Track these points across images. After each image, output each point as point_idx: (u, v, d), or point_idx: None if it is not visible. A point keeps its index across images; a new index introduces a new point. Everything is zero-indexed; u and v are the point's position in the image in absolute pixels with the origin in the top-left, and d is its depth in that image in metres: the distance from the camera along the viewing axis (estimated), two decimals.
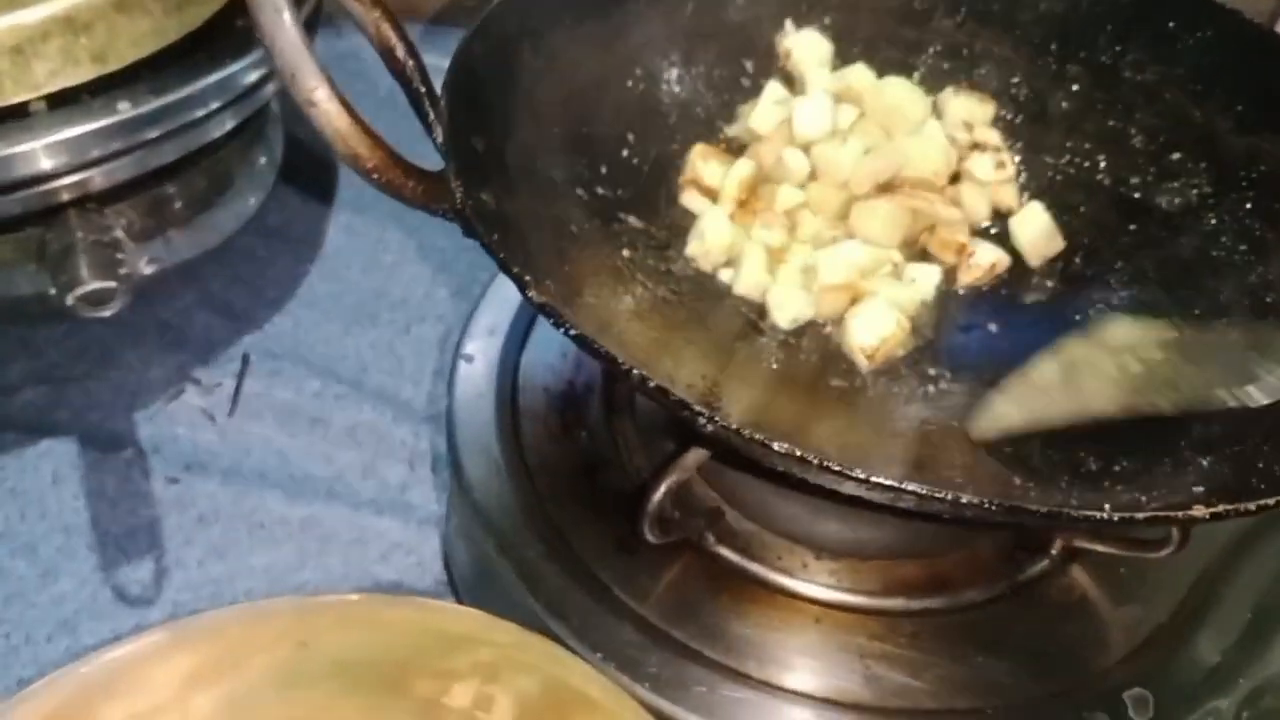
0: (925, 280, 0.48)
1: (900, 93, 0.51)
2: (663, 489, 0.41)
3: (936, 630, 0.45)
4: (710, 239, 0.47)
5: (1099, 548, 0.46)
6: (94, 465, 0.57)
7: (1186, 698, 0.43)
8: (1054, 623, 0.45)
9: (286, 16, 0.31)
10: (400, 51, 0.36)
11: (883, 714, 0.42)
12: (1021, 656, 0.44)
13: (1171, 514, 0.32)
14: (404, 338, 0.65)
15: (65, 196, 0.53)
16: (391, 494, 0.57)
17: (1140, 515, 0.32)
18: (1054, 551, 0.47)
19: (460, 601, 0.51)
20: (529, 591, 0.44)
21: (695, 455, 0.41)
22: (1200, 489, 0.34)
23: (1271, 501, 0.32)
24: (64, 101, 0.51)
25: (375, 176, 0.34)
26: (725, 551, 0.46)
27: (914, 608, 0.45)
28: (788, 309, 0.46)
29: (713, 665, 0.42)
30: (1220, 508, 0.32)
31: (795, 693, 0.42)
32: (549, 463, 0.49)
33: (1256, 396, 0.38)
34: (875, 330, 0.45)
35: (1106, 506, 0.31)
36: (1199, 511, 0.32)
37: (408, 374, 0.63)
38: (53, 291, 0.53)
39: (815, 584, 0.46)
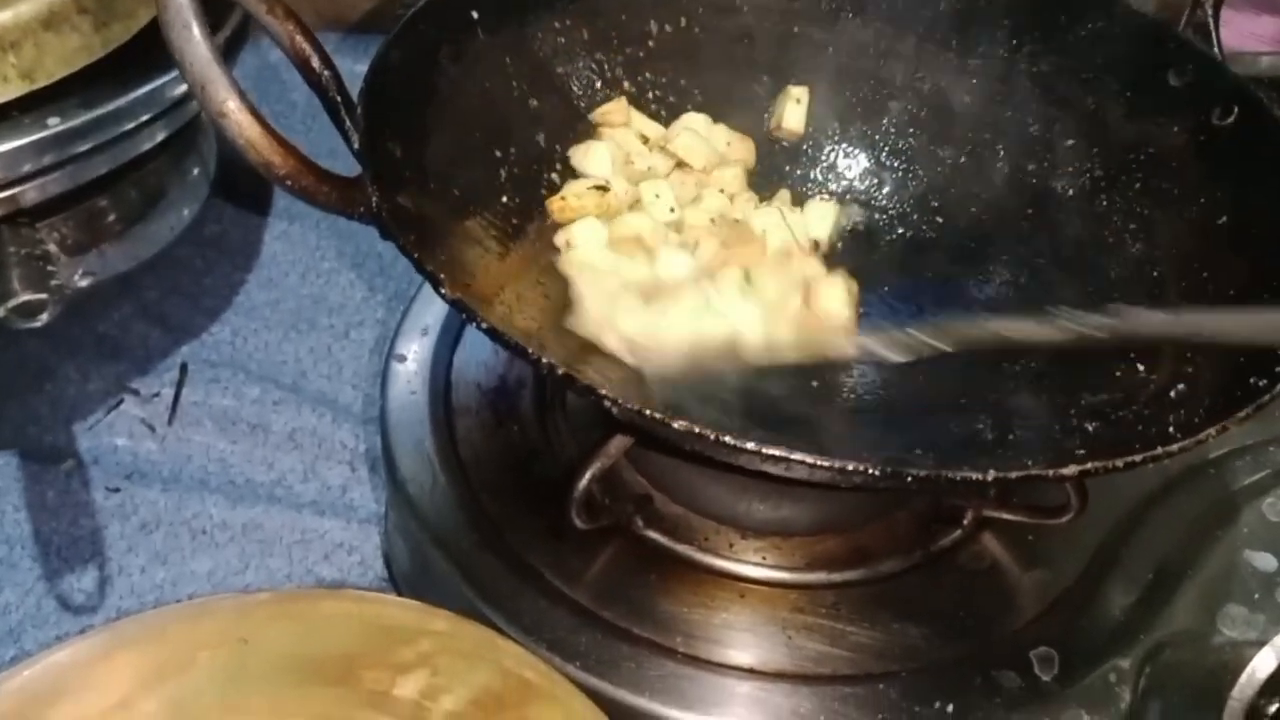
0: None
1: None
2: (588, 475, 0.43)
3: (856, 600, 0.47)
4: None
5: (1007, 516, 0.48)
6: (34, 477, 0.57)
7: (1091, 655, 0.45)
8: (966, 589, 0.47)
9: (195, 32, 0.32)
10: (315, 62, 0.37)
11: (804, 681, 0.44)
12: (935, 622, 0.46)
13: (1042, 472, 0.34)
14: (342, 342, 0.66)
15: None
16: (333, 495, 0.58)
17: (1013, 475, 0.34)
18: (966, 522, 0.49)
19: (400, 596, 0.53)
20: (464, 581, 0.46)
21: (617, 442, 0.43)
22: (1082, 451, 0.36)
23: (1138, 459, 0.35)
24: None
25: (289, 183, 0.35)
26: (654, 534, 0.48)
27: (835, 580, 0.47)
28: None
29: (642, 642, 0.44)
30: (1090, 465, 0.34)
31: (721, 665, 0.44)
32: (482, 456, 0.50)
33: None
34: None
35: (987, 469, 0.33)
36: (1070, 470, 0.34)
37: (346, 378, 0.64)
38: None
39: (741, 562, 0.48)
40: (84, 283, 0.60)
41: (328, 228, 0.72)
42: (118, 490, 0.57)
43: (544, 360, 0.34)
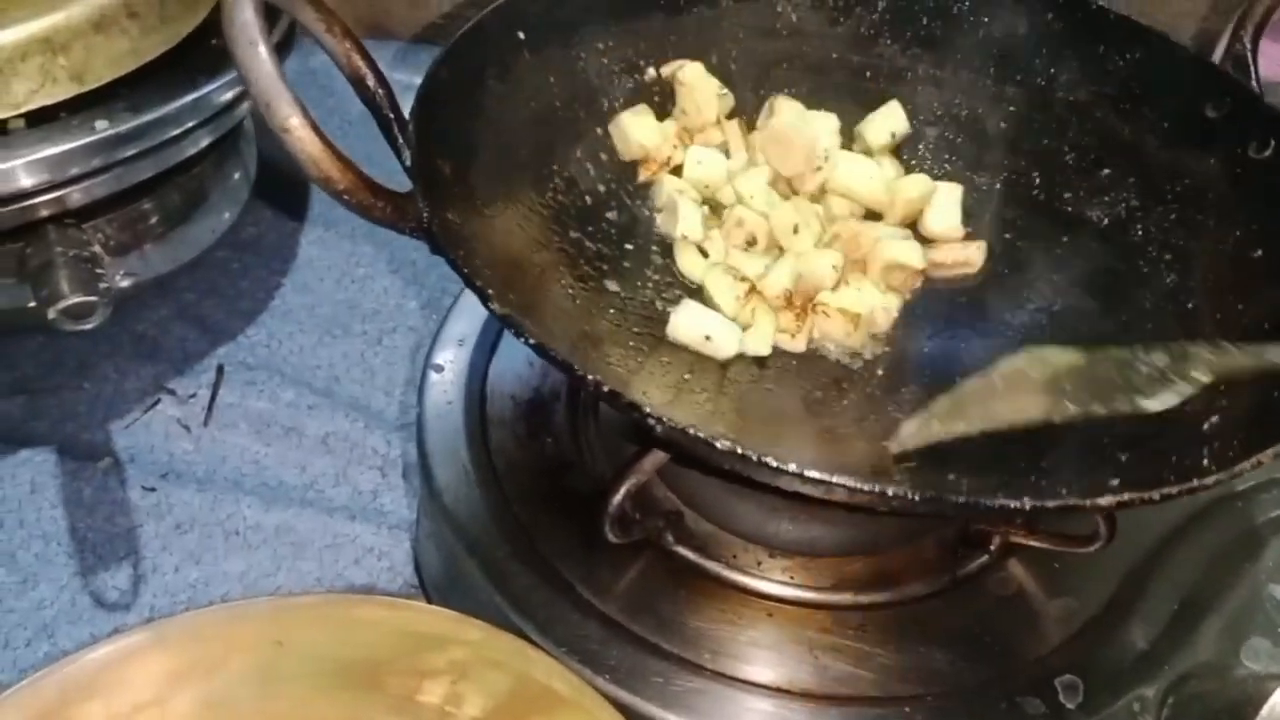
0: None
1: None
2: (623, 491, 0.43)
3: (882, 622, 0.47)
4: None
5: (1034, 543, 0.48)
6: (71, 474, 0.58)
7: (1115, 684, 0.45)
8: (992, 614, 0.48)
9: (261, 50, 0.33)
10: (370, 80, 0.38)
11: (830, 701, 0.44)
12: (961, 646, 0.46)
13: (1080, 502, 0.35)
14: (375, 348, 0.66)
15: (44, 212, 0.54)
16: (364, 500, 0.59)
17: (1050, 504, 0.35)
18: (993, 548, 0.49)
19: (430, 603, 0.53)
20: (496, 590, 0.46)
21: (653, 458, 0.43)
22: (1115, 481, 0.36)
23: (1174, 490, 0.35)
24: (43, 119, 0.53)
25: (346, 198, 0.36)
26: (684, 550, 0.48)
27: (861, 601, 0.48)
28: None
29: (670, 657, 0.45)
30: (1125, 496, 0.34)
31: (748, 682, 0.44)
32: (516, 467, 0.51)
33: (1153, 405, 0.41)
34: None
35: (1023, 497, 0.34)
36: (1106, 500, 0.34)
37: (379, 384, 0.64)
38: (31, 305, 0.55)
39: (769, 580, 0.48)
40: (125, 283, 0.61)
41: (363, 234, 0.73)
42: (153, 489, 0.58)
43: (590, 377, 0.35)
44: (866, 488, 0.34)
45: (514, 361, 0.56)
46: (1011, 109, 0.56)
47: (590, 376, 0.35)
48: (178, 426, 0.62)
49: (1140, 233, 0.52)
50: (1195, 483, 0.35)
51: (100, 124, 0.54)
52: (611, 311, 0.49)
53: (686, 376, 0.48)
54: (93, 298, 0.49)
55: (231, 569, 0.56)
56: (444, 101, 0.43)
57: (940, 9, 0.56)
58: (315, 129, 0.34)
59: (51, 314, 0.48)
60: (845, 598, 0.48)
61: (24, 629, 0.52)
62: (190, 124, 0.57)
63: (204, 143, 0.60)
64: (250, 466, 0.60)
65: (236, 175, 0.68)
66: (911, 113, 0.57)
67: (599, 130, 0.53)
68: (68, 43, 0.53)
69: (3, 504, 0.57)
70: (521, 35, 0.49)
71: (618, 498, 0.43)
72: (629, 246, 0.53)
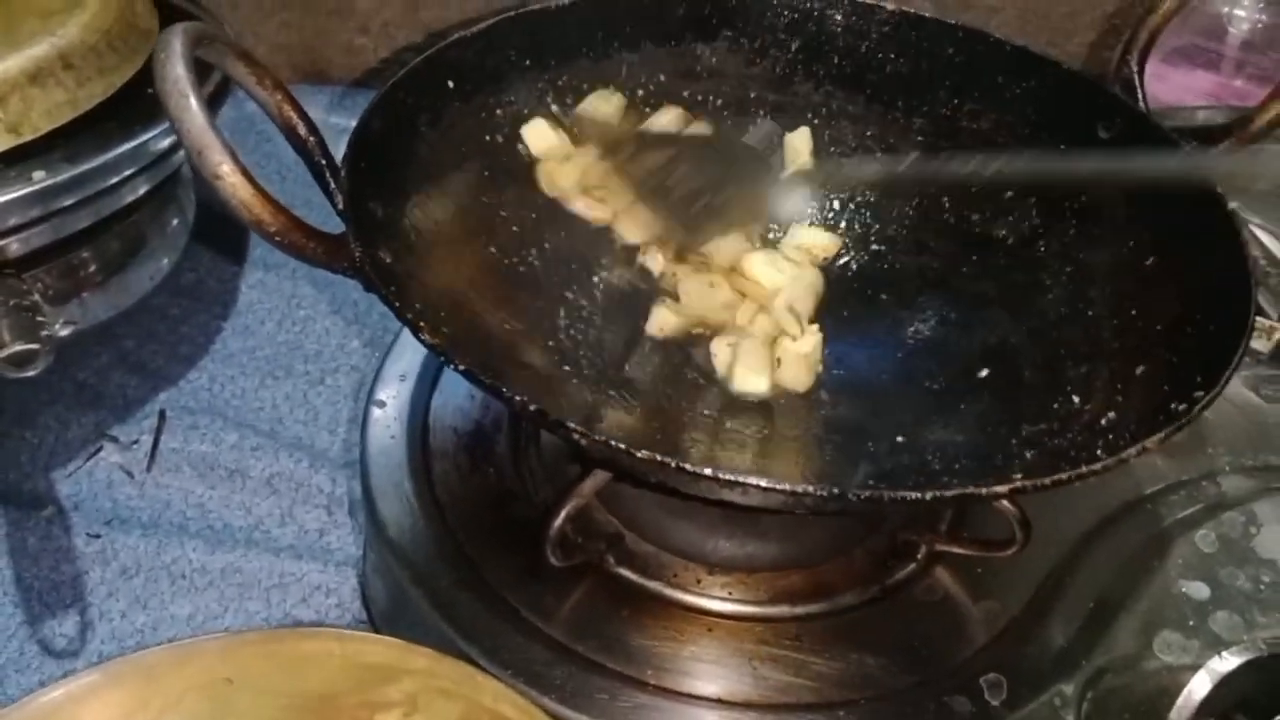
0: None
1: None
2: (563, 514, 0.45)
3: (817, 632, 0.49)
4: None
5: (957, 550, 0.51)
6: (15, 524, 0.58)
7: (1037, 680, 0.48)
8: (920, 620, 0.50)
9: (192, 100, 0.35)
10: (301, 129, 0.39)
11: (770, 710, 0.46)
12: (892, 651, 0.48)
13: (975, 490, 0.37)
14: (318, 388, 0.67)
15: None
16: (310, 539, 0.60)
17: (949, 494, 0.37)
18: (920, 557, 0.52)
19: (380, 635, 0.54)
20: (443, 619, 0.47)
21: (592, 481, 0.45)
22: (1018, 475, 0.39)
23: (1064, 477, 0.37)
24: None
25: (279, 240, 0.37)
26: (625, 572, 0.50)
27: (797, 613, 0.50)
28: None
29: (615, 675, 0.46)
30: (1019, 484, 0.37)
31: (691, 695, 0.46)
32: (459, 498, 0.52)
33: None
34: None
35: (926, 490, 0.36)
36: (1001, 488, 0.37)
37: (323, 423, 0.65)
38: None
39: (708, 597, 0.50)
40: (65, 332, 0.61)
41: (304, 277, 0.74)
42: (98, 536, 0.58)
43: (517, 397, 0.37)
44: (779, 487, 0.36)
45: (455, 395, 0.57)
46: (920, 138, 0.59)
47: (517, 397, 0.37)
48: (121, 473, 0.62)
49: (1043, 248, 0.55)
50: (1085, 469, 0.38)
51: (38, 174, 0.54)
52: (549, 341, 0.51)
53: (616, 395, 0.49)
54: (34, 345, 0.49)
55: (179, 612, 0.56)
56: (376, 147, 0.45)
57: (849, 48, 0.59)
58: (246, 175, 0.36)
59: None
60: (781, 610, 0.50)
61: None
62: (128, 172, 0.58)
63: (142, 190, 0.61)
64: (195, 510, 0.60)
65: (175, 221, 0.69)
66: (827, 144, 0.60)
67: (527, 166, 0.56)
68: (4, 95, 0.54)
69: None
70: (451, 83, 0.51)
71: (558, 521, 0.45)
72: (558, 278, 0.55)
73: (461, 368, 0.37)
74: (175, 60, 0.34)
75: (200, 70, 0.41)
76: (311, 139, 0.40)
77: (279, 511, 0.61)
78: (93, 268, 0.63)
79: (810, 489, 0.36)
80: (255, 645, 0.45)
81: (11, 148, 0.54)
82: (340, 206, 0.40)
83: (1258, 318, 0.57)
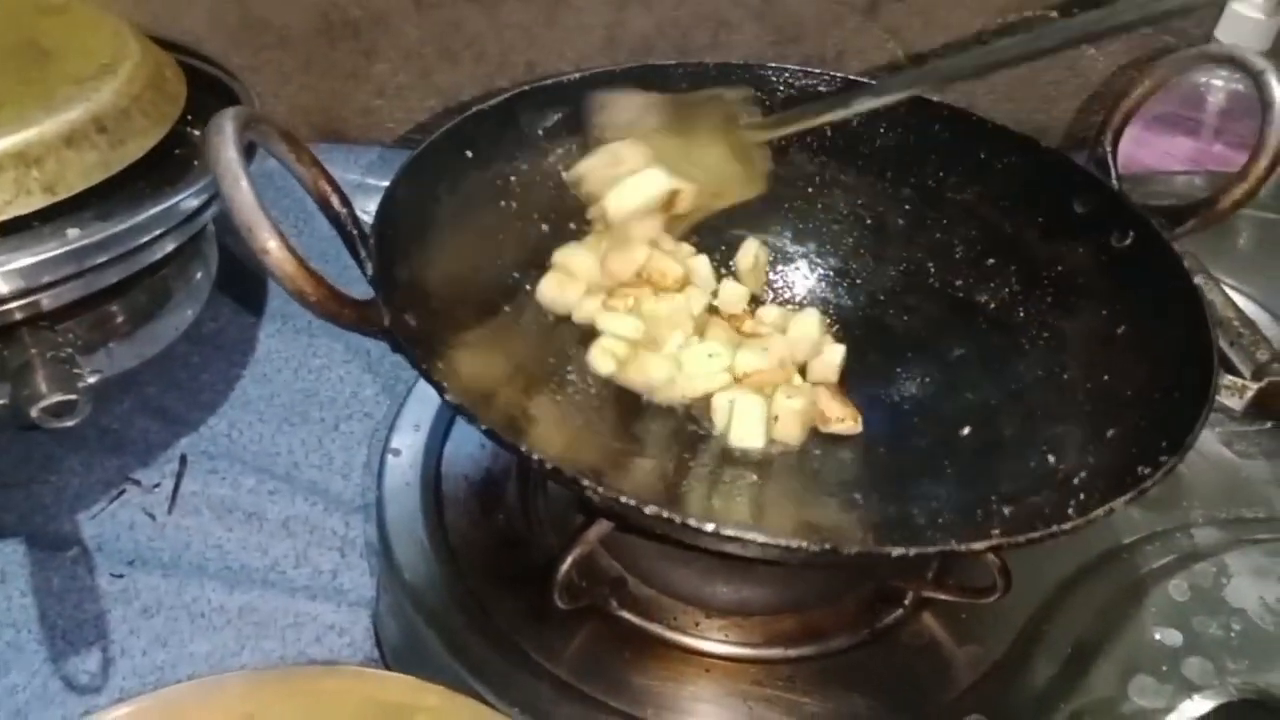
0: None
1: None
2: (570, 560, 0.48)
3: (809, 674, 0.51)
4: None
5: (942, 596, 0.54)
6: (40, 564, 0.61)
7: None
8: (907, 662, 0.52)
9: (244, 184, 0.38)
10: (335, 201, 0.43)
11: None
12: (881, 692, 0.51)
13: (956, 547, 0.40)
14: (333, 434, 0.70)
15: (17, 316, 0.57)
16: (324, 580, 0.62)
17: (931, 550, 0.40)
18: (907, 603, 0.54)
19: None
20: (454, 658, 0.50)
21: (597, 529, 0.48)
22: (997, 531, 0.42)
23: (1037, 535, 0.40)
24: (16, 229, 0.56)
25: (317, 308, 0.40)
26: (627, 615, 0.53)
27: (790, 655, 0.52)
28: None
29: (617, 714, 0.48)
30: (995, 541, 0.40)
31: None
32: (470, 543, 0.55)
33: None
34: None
35: (910, 546, 0.39)
36: (979, 545, 0.40)
37: (337, 468, 0.68)
38: (1, 403, 0.58)
39: (706, 639, 0.53)
40: (92, 380, 0.64)
41: (320, 327, 0.76)
42: (121, 576, 0.61)
43: (534, 455, 0.40)
44: (775, 542, 0.39)
45: (467, 445, 0.60)
46: (908, 207, 0.63)
47: (534, 455, 0.40)
48: (143, 515, 0.64)
49: (1022, 314, 0.59)
50: (1055, 529, 0.41)
51: (72, 232, 0.57)
52: (557, 397, 0.54)
53: (622, 447, 0.52)
54: (72, 396, 0.52)
55: (198, 650, 0.58)
56: (400, 215, 0.48)
57: (842, 122, 0.63)
58: (291, 250, 0.39)
59: (34, 413, 0.51)
60: (775, 652, 0.52)
61: None
62: (158, 231, 0.61)
63: (170, 247, 0.63)
64: (214, 551, 0.63)
65: (199, 275, 0.72)
66: (820, 212, 0.63)
67: (544, 232, 0.59)
68: (41, 156, 0.57)
69: None
70: (469, 154, 0.54)
71: (565, 566, 0.47)
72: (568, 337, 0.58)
73: (484, 427, 0.40)
74: (228, 144, 0.38)
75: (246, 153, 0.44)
76: (344, 211, 0.43)
77: (294, 553, 0.63)
78: (120, 319, 0.65)
79: (804, 545, 0.38)
80: (276, 682, 0.48)
81: (47, 206, 0.57)
82: (370, 274, 0.44)
83: (1230, 376, 0.60)
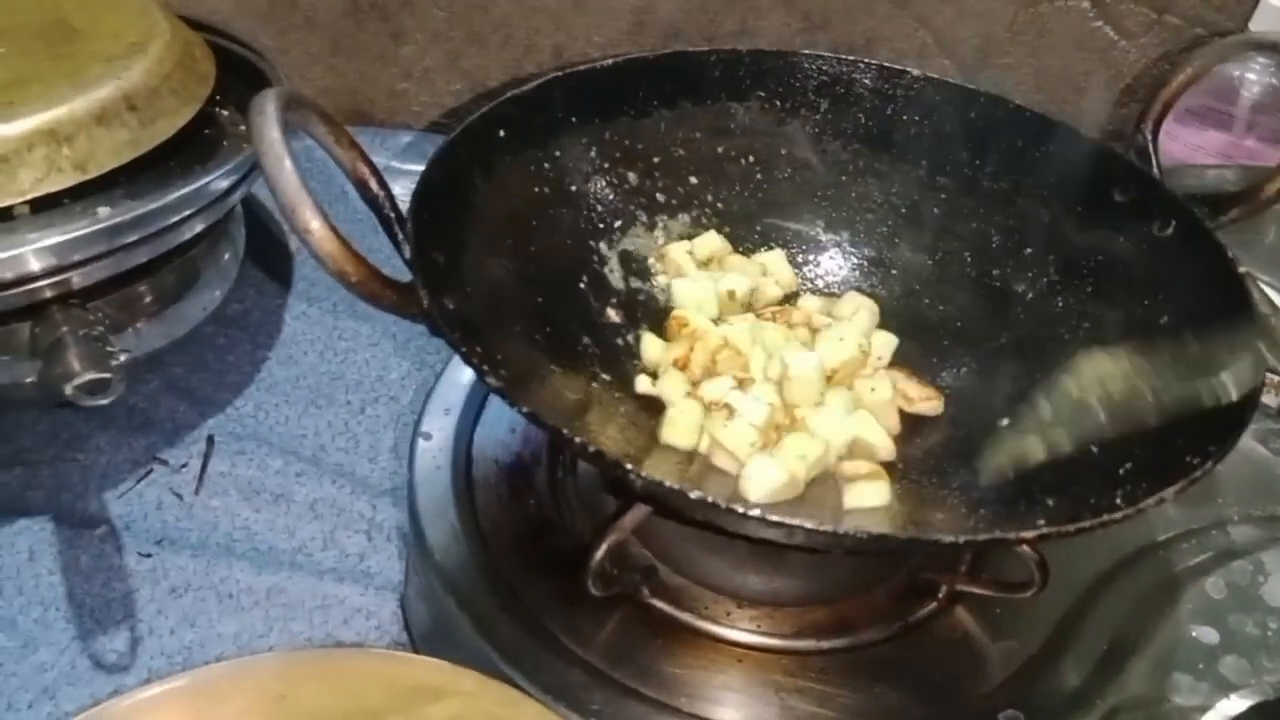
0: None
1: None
2: (605, 546, 0.47)
3: (841, 666, 0.51)
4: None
5: (977, 590, 0.53)
6: (68, 542, 0.61)
7: (1052, 718, 0.50)
8: (941, 656, 0.52)
9: (287, 164, 0.37)
10: (373, 184, 0.42)
11: None
12: (913, 686, 0.50)
13: (1003, 536, 0.39)
14: (359, 417, 0.70)
15: (49, 294, 0.57)
16: (351, 563, 0.62)
17: (980, 539, 0.40)
18: (940, 596, 0.54)
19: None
20: (485, 642, 0.50)
21: (632, 515, 0.47)
22: (1041, 521, 0.41)
23: (1087, 524, 0.40)
24: (47, 206, 0.56)
25: (359, 289, 0.40)
26: (658, 603, 0.52)
27: (822, 647, 0.52)
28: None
29: (649, 701, 0.48)
30: (1043, 530, 0.39)
31: None
32: (501, 527, 0.55)
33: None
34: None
35: (959, 534, 0.39)
36: (1027, 534, 0.39)
37: (363, 451, 0.68)
38: (29, 380, 0.58)
39: (737, 629, 0.52)
40: (121, 360, 0.64)
41: (345, 310, 0.76)
42: (149, 555, 0.61)
43: (576, 439, 0.40)
44: (824, 529, 0.38)
45: (497, 429, 0.60)
46: (943, 196, 0.62)
47: (577, 439, 0.40)
48: (170, 495, 0.64)
49: (1061, 304, 0.58)
50: (1105, 518, 0.40)
51: (102, 210, 0.57)
52: (593, 384, 0.54)
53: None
54: (106, 374, 0.52)
55: (225, 630, 0.58)
56: (437, 199, 0.48)
57: (876, 110, 0.62)
58: (334, 230, 0.38)
59: (68, 390, 0.51)
60: (807, 644, 0.52)
61: (26, 692, 0.54)
62: (187, 211, 0.61)
63: (199, 228, 0.63)
64: (241, 532, 0.63)
65: (227, 256, 0.72)
66: (855, 201, 0.63)
67: (576, 219, 0.59)
68: (72, 134, 0.57)
69: (2, 571, 0.59)
70: (502, 134, 0.54)
71: (600, 553, 0.47)
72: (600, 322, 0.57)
73: (525, 410, 0.40)
74: (271, 124, 0.37)
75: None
76: (382, 193, 0.42)
77: (322, 536, 0.63)
78: (149, 299, 0.65)
79: (855, 531, 0.38)
80: (309, 664, 0.48)
81: (78, 184, 0.57)
82: (407, 256, 0.43)
83: (1268, 373, 0.59)
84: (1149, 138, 0.62)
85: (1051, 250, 0.60)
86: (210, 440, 0.67)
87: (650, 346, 0.58)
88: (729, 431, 0.51)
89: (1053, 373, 0.55)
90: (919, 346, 0.60)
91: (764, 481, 0.49)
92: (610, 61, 0.59)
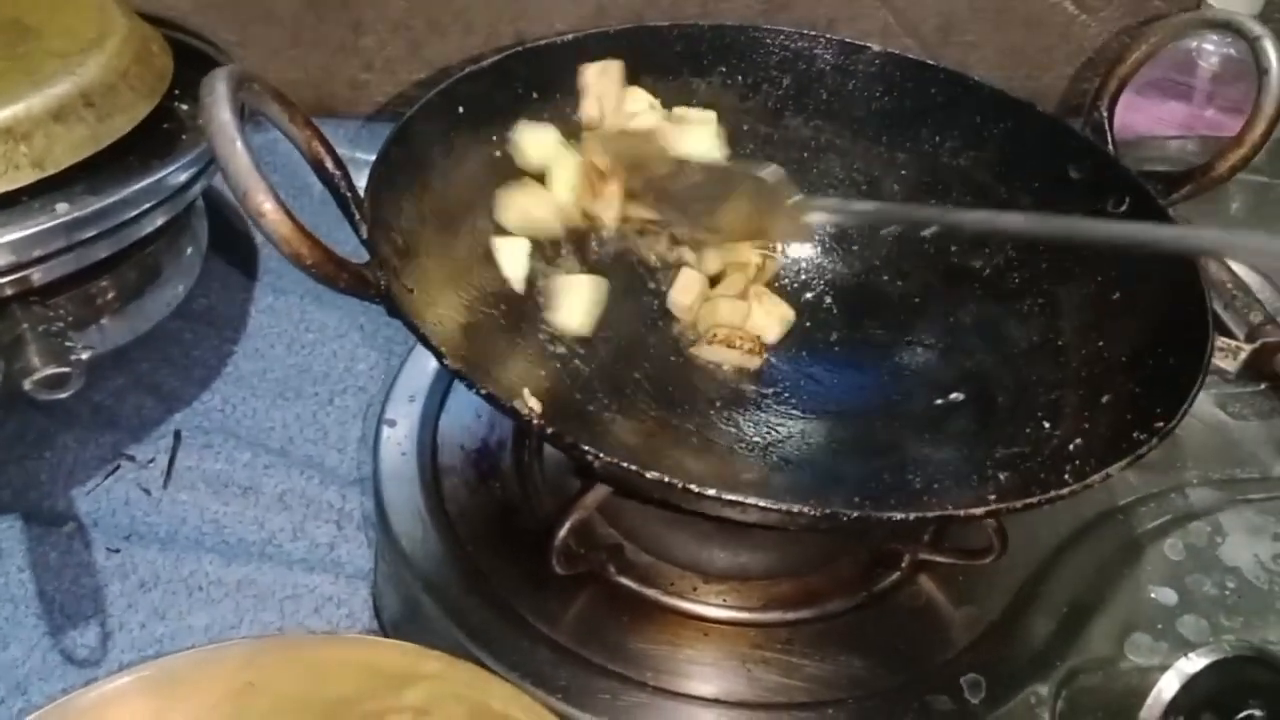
0: None
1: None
2: (567, 525, 0.48)
3: (807, 637, 0.52)
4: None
5: (939, 559, 0.54)
6: (37, 539, 0.60)
7: (1014, 680, 0.50)
8: (905, 624, 0.53)
9: (239, 145, 0.37)
10: (329, 164, 0.42)
11: (763, 709, 0.48)
12: (878, 654, 0.51)
13: (955, 512, 0.40)
14: (327, 409, 0.70)
15: (8, 291, 0.57)
16: (321, 553, 0.62)
17: (930, 515, 0.40)
18: (904, 565, 0.54)
19: None
20: (454, 625, 0.50)
21: (594, 494, 0.48)
22: (993, 496, 0.42)
23: (1034, 500, 0.41)
24: (5, 204, 0.56)
25: (314, 271, 0.40)
26: (625, 580, 0.53)
27: (788, 619, 0.52)
28: None
29: (616, 677, 0.49)
30: (993, 506, 0.40)
31: (688, 696, 0.49)
32: (467, 511, 0.55)
33: None
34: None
35: (910, 511, 0.39)
36: (977, 510, 0.40)
37: (332, 442, 0.68)
38: None
39: (704, 604, 0.53)
40: (84, 355, 0.64)
41: (311, 301, 0.76)
42: (117, 550, 0.61)
43: (535, 421, 0.40)
44: (775, 507, 0.39)
45: (462, 414, 0.60)
46: (904, 172, 0.63)
47: (536, 420, 0.40)
48: (138, 490, 0.64)
49: (1017, 280, 0.59)
50: (1053, 494, 0.41)
51: (61, 206, 0.57)
52: (555, 361, 0.54)
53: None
54: (65, 369, 0.52)
55: (196, 623, 0.58)
56: (394, 177, 0.48)
57: (837, 86, 0.63)
58: (287, 213, 0.39)
59: (27, 385, 0.51)
60: (774, 616, 0.53)
61: None
62: (147, 205, 0.61)
63: (159, 222, 0.63)
64: (210, 525, 0.63)
65: (189, 250, 0.72)
66: (816, 177, 0.63)
67: None
68: (29, 131, 0.57)
69: None
70: (462, 115, 0.54)
71: (563, 532, 0.48)
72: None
73: (484, 391, 0.40)
74: (222, 105, 0.37)
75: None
76: (338, 173, 0.43)
77: (291, 526, 0.63)
78: (111, 295, 0.65)
79: (804, 508, 0.39)
80: (277, 651, 0.48)
81: (36, 181, 0.57)
82: (364, 236, 0.43)
83: (1224, 339, 0.60)
84: (1104, 114, 0.63)
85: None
86: (177, 435, 0.67)
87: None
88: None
89: (1008, 349, 0.56)
90: (878, 323, 0.61)
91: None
92: (570, 36, 0.59)
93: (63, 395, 0.52)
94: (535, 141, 0.57)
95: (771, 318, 0.59)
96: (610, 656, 0.50)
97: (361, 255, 0.46)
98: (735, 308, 0.58)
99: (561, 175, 0.56)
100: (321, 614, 0.59)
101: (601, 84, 0.58)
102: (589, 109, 0.58)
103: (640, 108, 0.59)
